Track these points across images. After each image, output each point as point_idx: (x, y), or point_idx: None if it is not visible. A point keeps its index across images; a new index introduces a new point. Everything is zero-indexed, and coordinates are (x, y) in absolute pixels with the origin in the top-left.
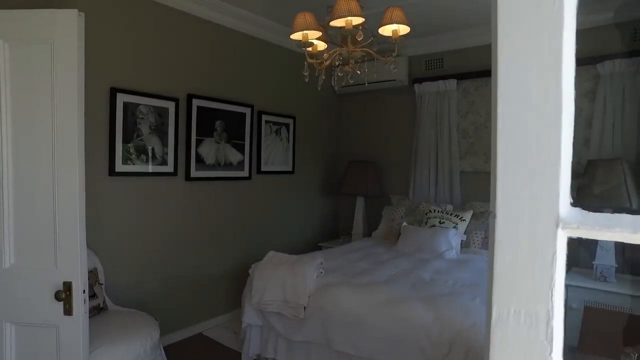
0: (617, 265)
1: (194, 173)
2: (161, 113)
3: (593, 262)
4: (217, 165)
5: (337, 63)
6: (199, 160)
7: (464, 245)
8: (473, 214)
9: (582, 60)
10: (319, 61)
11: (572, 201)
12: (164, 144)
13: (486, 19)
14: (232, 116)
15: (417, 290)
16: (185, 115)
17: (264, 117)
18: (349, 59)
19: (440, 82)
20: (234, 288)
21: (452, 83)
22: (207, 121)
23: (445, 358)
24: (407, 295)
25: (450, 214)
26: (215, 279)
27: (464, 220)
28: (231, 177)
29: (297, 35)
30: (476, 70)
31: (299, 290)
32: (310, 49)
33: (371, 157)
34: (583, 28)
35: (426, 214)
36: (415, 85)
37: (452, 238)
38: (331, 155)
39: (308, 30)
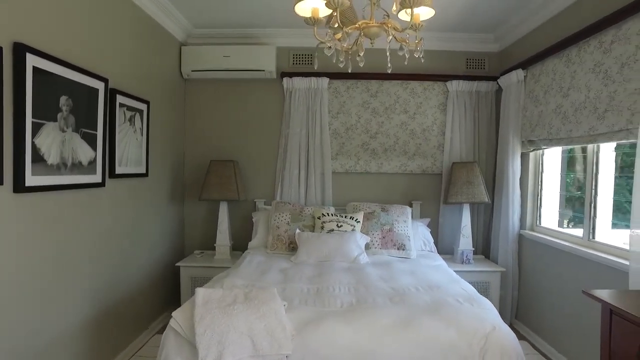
0: (474, 249)
1: (30, 180)
2: None
3: (457, 248)
4: (62, 166)
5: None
6: (38, 158)
7: (365, 247)
8: (364, 215)
9: (436, 77)
10: (344, 29)
11: None
12: None
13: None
14: (82, 91)
15: (402, 304)
16: (11, 80)
17: (119, 99)
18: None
19: (313, 78)
20: (89, 344)
21: (324, 81)
22: (49, 95)
23: None
24: (408, 312)
25: (345, 217)
26: (69, 335)
27: (358, 221)
28: (81, 183)
29: None
30: (346, 71)
31: (277, 336)
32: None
33: (233, 156)
34: (436, 49)
35: (319, 218)
36: (285, 80)
37: (360, 241)
38: (182, 154)
39: None
